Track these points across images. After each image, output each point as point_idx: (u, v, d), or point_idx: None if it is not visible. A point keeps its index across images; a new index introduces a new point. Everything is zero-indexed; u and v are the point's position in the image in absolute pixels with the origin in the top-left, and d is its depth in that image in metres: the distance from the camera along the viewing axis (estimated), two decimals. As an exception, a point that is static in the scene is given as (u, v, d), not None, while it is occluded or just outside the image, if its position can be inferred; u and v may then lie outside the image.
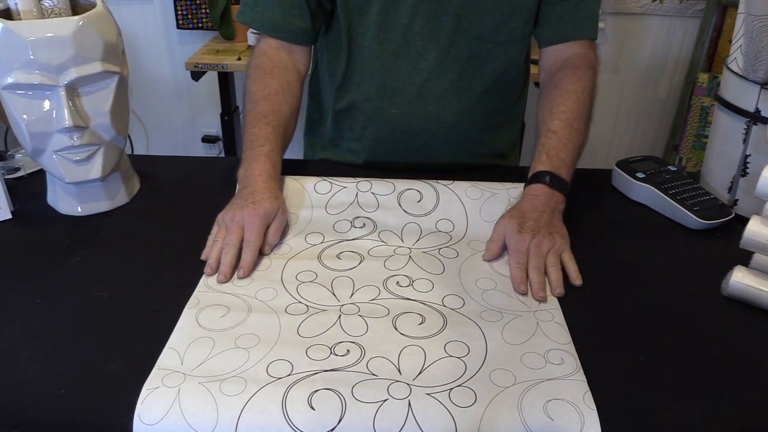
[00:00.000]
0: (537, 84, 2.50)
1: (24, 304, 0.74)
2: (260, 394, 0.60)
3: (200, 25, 2.48)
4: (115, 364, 0.65)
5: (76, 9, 0.89)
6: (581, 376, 0.64)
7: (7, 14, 0.85)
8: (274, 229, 0.83)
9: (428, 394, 0.61)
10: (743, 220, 0.78)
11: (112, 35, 0.85)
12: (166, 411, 0.59)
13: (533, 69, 2.11)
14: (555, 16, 1.01)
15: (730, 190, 0.97)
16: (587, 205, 0.98)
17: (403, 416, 0.59)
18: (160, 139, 2.85)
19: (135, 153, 2.70)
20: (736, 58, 0.93)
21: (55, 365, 0.65)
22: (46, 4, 0.85)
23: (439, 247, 0.85)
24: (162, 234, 0.88)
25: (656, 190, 0.96)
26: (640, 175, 0.99)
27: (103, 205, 0.93)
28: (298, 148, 1.30)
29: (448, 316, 0.72)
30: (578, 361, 0.66)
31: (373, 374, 0.63)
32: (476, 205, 0.90)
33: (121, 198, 0.95)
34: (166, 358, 0.65)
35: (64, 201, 0.92)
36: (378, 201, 0.91)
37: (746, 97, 0.91)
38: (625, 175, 1.00)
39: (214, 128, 2.77)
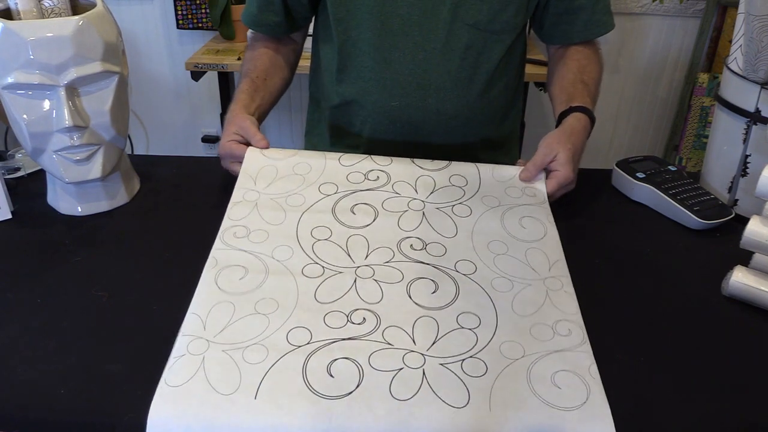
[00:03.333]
0: (537, 84, 2.49)
1: (24, 304, 0.74)
2: (281, 363, 0.62)
3: (200, 25, 2.48)
4: (115, 364, 0.65)
5: (76, 9, 0.89)
6: (587, 348, 0.66)
7: (7, 14, 0.85)
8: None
9: (441, 364, 0.63)
10: (743, 220, 0.78)
11: (112, 35, 0.85)
12: (191, 375, 0.61)
13: (535, 69, 2.12)
14: (575, 24, 1.07)
15: (730, 190, 0.96)
16: (587, 205, 0.98)
17: (418, 383, 0.61)
18: (160, 139, 2.85)
19: (135, 153, 2.70)
20: (736, 58, 0.93)
21: (55, 365, 0.65)
22: (46, 4, 0.85)
23: (452, 203, 0.85)
24: (162, 234, 0.88)
25: (656, 190, 0.96)
26: (640, 175, 0.99)
27: (103, 205, 0.93)
28: (298, 148, 1.30)
29: (461, 283, 0.74)
30: (585, 333, 0.68)
31: (389, 344, 0.65)
32: (489, 170, 0.92)
33: (121, 198, 0.95)
34: (189, 324, 0.67)
35: (64, 201, 0.92)
36: (392, 159, 0.92)
37: (746, 97, 0.91)
38: (625, 175, 1.00)
39: (214, 128, 2.77)
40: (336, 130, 1.14)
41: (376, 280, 0.73)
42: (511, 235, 0.81)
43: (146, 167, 1.04)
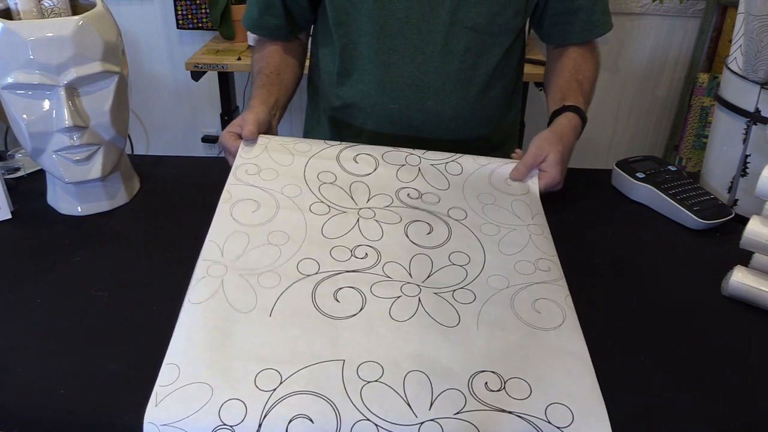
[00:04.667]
0: (537, 84, 2.49)
1: (24, 304, 0.74)
2: (292, 288, 0.70)
3: (200, 25, 2.48)
4: (115, 364, 0.65)
5: (76, 9, 0.89)
6: (564, 283, 0.74)
7: (7, 14, 0.85)
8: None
9: (435, 293, 0.71)
10: (743, 220, 0.78)
11: (112, 35, 0.85)
12: (212, 294, 0.68)
13: (535, 69, 2.12)
14: (575, 25, 1.07)
15: (730, 190, 0.96)
16: (587, 205, 0.98)
17: (414, 308, 0.69)
18: (160, 139, 2.85)
19: (135, 153, 2.70)
20: (736, 58, 0.93)
21: (55, 365, 0.65)
22: (46, 4, 0.85)
23: (446, 161, 0.92)
24: (162, 234, 0.88)
25: (656, 190, 0.96)
26: (640, 175, 0.99)
27: (103, 205, 0.93)
28: (298, 148, 1.29)
29: (453, 227, 0.81)
30: (561, 271, 0.76)
31: (388, 276, 0.73)
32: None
33: (121, 198, 0.95)
34: (207, 250, 0.74)
35: (64, 201, 0.92)
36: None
37: (746, 97, 0.91)
38: (625, 175, 1.00)
39: (214, 128, 2.77)
40: (336, 132, 1.14)
41: (377, 221, 0.80)
42: (497, 189, 0.89)
43: (146, 167, 1.04)
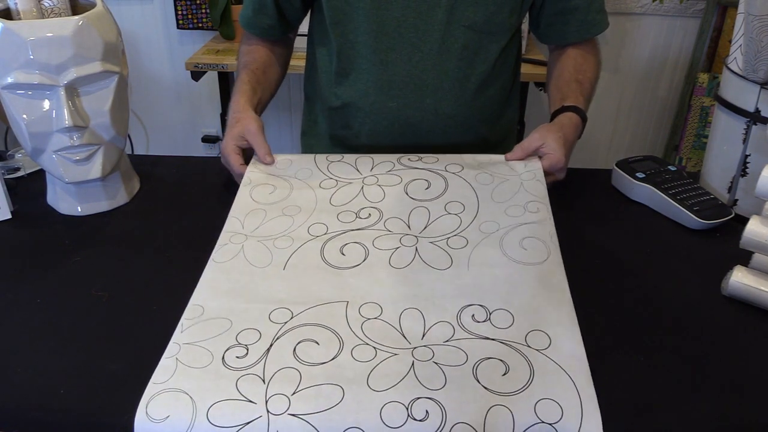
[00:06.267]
0: (537, 84, 2.48)
1: (24, 304, 0.74)
2: (303, 247, 0.79)
3: (200, 25, 2.48)
4: (115, 363, 0.65)
5: (75, 9, 0.89)
6: (551, 222, 0.81)
7: (7, 14, 0.85)
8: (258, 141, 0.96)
9: (431, 242, 0.79)
10: (743, 220, 0.78)
11: (112, 35, 0.85)
12: (233, 256, 0.77)
13: (535, 69, 2.12)
14: (571, 24, 1.07)
15: (730, 190, 0.97)
16: (587, 205, 0.98)
17: (412, 256, 0.77)
18: (160, 139, 2.85)
19: (135, 153, 2.70)
20: (736, 58, 0.93)
21: (55, 365, 0.65)
22: (46, 4, 0.85)
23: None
24: (162, 234, 0.88)
25: (656, 190, 0.96)
26: (640, 175, 0.99)
27: (103, 205, 0.93)
28: (295, 149, 1.30)
29: (450, 179, 0.89)
30: (550, 211, 0.83)
31: (389, 230, 0.81)
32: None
33: (121, 198, 0.95)
34: (230, 224, 0.83)
35: (64, 201, 0.92)
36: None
37: (746, 97, 0.91)
38: (625, 175, 1.00)
39: (214, 128, 2.76)
40: (334, 131, 1.14)
41: (379, 185, 0.89)
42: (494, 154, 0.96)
43: (146, 167, 1.04)
